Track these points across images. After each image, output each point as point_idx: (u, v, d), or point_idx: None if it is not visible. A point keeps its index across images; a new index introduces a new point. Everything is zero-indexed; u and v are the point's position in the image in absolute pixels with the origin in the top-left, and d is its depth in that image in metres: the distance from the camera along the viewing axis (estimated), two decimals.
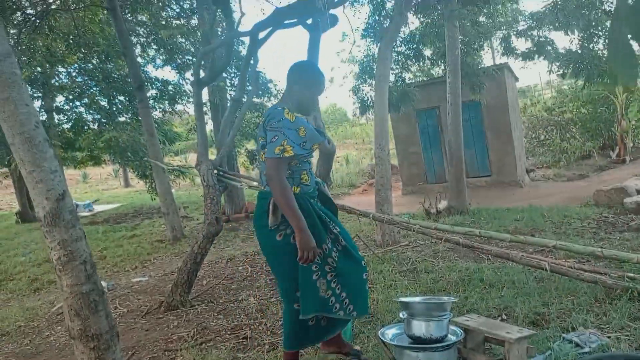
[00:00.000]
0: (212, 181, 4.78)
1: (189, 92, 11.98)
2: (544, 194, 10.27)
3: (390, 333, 2.76)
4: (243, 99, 5.38)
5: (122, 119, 12.50)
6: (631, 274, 3.56)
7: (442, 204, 8.27)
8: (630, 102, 12.49)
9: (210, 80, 5.52)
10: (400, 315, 2.75)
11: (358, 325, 3.45)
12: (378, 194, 6.25)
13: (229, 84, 10.80)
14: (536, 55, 10.47)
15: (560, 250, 4.05)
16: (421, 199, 8.76)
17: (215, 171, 4.85)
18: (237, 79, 9.57)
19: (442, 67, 10.30)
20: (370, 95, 9.50)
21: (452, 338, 2.57)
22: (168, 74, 30.96)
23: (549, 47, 10.58)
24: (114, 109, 12.29)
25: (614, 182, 9.44)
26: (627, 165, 12.11)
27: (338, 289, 2.55)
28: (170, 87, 12.27)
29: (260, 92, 10.57)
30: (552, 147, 13.68)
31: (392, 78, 9.19)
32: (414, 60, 9.56)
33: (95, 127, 12.83)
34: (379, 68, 6.24)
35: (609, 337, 2.83)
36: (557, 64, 9.28)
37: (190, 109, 12.94)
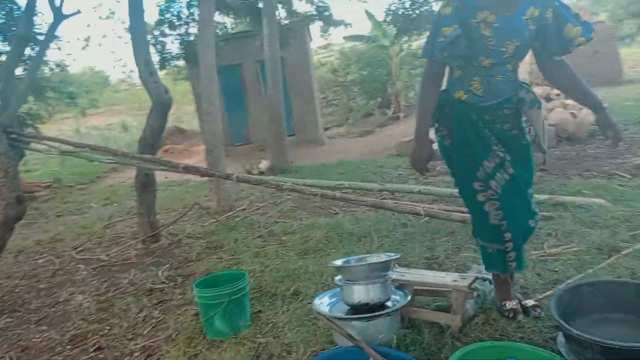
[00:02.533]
0: (3, 147, 3.44)
1: None
2: (344, 149, 10.90)
3: (324, 304, 2.33)
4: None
5: None
6: None
7: (264, 164, 7.97)
8: (402, 65, 14.16)
9: None
10: (336, 281, 2.35)
11: (255, 303, 2.91)
12: (210, 155, 5.56)
13: None
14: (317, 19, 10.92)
15: (424, 194, 4.17)
16: (231, 163, 8.29)
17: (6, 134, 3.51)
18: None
19: (248, 19, 9.79)
20: (169, 48, 8.43)
21: (396, 298, 2.29)
22: None
23: (327, 13, 11.12)
24: None
25: (397, 136, 10.61)
26: (401, 120, 13.76)
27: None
28: None
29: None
30: (340, 107, 14.64)
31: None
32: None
33: None
34: (202, 10, 5.42)
35: None
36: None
37: None
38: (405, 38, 13.23)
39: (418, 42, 13.03)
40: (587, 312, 1.88)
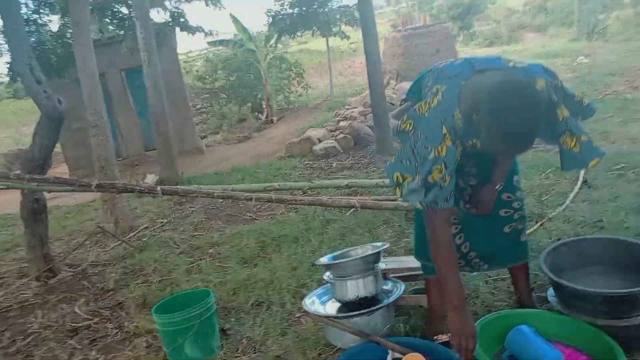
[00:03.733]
0: None
1: None
2: (227, 156, 10.58)
3: (316, 304, 2.23)
4: None
5: None
6: None
7: (150, 178, 7.38)
8: (270, 69, 14.21)
9: None
10: (326, 278, 2.26)
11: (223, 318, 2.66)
12: (102, 173, 4.96)
13: None
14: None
15: (351, 187, 4.23)
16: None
17: None
18: None
19: (114, 25, 8.96)
20: None
21: (386, 287, 2.28)
22: None
23: (182, 19, 10.77)
24: None
25: (279, 138, 10.66)
26: (276, 124, 13.82)
27: None
28: None
29: None
30: (212, 114, 14.17)
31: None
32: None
33: None
34: (74, 9, 4.82)
35: None
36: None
37: None
38: (272, 41, 13.35)
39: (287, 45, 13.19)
40: (567, 269, 2.08)
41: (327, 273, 2.31)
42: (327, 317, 2.10)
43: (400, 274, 2.43)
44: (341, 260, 2.19)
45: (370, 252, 2.16)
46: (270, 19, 11.34)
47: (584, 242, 2.12)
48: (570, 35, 19.73)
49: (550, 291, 2.11)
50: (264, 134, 13.14)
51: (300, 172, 6.80)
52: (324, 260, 2.34)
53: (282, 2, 11.71)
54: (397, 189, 1.73)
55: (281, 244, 3.77)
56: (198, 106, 15.07)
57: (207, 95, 14.90)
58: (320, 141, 8.12)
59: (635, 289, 1.73)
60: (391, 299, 2.13)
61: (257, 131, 13.59)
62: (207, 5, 11.09)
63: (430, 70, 1.95)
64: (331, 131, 8.28)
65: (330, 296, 2.34)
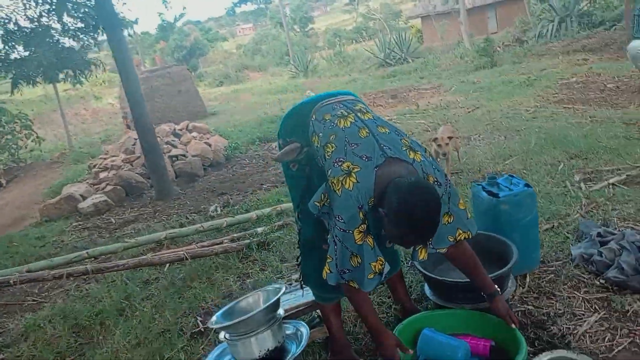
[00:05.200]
0: None
1: None
2: None
3: None
4: None
5: None
6: (237, 234, 3.95)
7: None
8: None
9: None
10: (224, 340, 2.00)
11: None
12: None
13: None
14: None
15: (171, 238, 3.80)
16: None
17: None
18: None
19: None
20: None
21: (288, 330, 2.16)
22: None
23: None
24: None
25: (16, 202, 8.89)
26: (6, 187, 11.42)
27: None
28: None
29: None
30: None
31: None
32: None
33: None
34: None
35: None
36: None
37: None
38: None
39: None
40: (438, 264, 2.38)
41: (223, 334, 2.05)
42: None
43: (295, 310, 2.34)
44: (246, 316, 1.97)
45: (272, 299, 2.01)
46: None
47: None
48: (289, 73, 22.37)
49: (426, 287, 2.38)
50: None
51: (76, 236, 5.76)
52: (217, 320, 2.07)
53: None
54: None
55: (105, 322, 3.14)
56: None
57: None
58: (84, 198, 7.08)
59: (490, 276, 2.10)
60: (304, 343, 2.03)
61: None
62: None
63: (301, 106, 2.04)
64: (94, 185, 7.32)
65: (230, 358, 2.08)
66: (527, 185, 2.57)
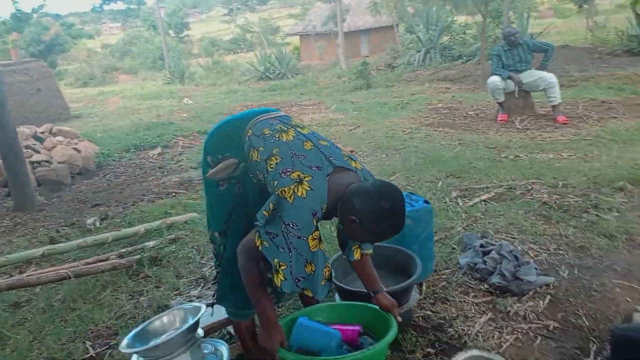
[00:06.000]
0: None
1: None
2: None
3: None
4: None
5: None
6: (123, 250, 3.66)
7: None
8: None
9: None
10: None
11: None
12: None
13: None
14: None
15: (50, 255, 3.35)
16: None
17: None
18: None
19: None
20: None
21: (210, 349, 2.06)
22: None
23: None
24: None
25: None
26: None
27: None
28: None
29: None
30: None
31: None
32: None
33: None
34: None
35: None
36: None
37: None
38: None
39: None
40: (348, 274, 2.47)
41: (135, 358, 1.89)
42: None
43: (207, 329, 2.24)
44: (165, 339, 1.83)
45: (193, 320, 1.89)
46: None
47: None
48: (163, 79, 21.34)
49: (337, 296, 2.46)
50: None
51: None
52: (129, 343, 1.89)
53: None
54: (276, 276, 1.72)
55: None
56: None
57: None
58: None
59: (396, 287, 2.27)
60: None
61: None
62: None
63: (231, 122, 2.03)
64: None
65: None
66: (425, 201, 2.80)
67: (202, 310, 1.98)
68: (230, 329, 2.48)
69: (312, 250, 1.70)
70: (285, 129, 1.90)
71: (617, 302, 2.51)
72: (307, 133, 1.93)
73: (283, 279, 1.71)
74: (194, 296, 3.07)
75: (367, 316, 2.12)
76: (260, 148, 1.85)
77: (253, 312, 2.13)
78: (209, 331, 2.35)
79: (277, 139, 1.85)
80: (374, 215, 1.70)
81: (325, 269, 1.77)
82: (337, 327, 2.04)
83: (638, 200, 3.69)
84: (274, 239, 1.69)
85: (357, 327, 2.04)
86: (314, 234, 1.70)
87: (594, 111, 7.01)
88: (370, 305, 2.10)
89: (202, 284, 3.24)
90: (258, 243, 1.71)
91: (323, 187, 1.72)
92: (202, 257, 3.61)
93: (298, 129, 1.93)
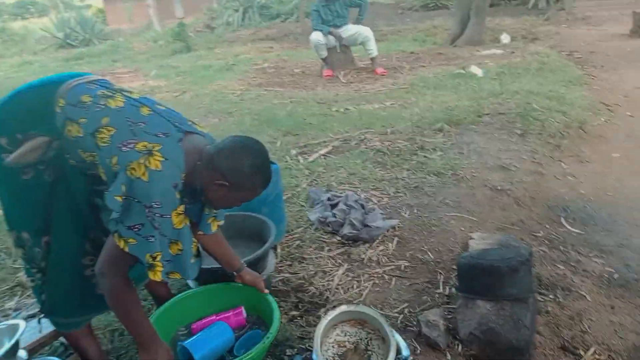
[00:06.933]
0: None
1: None
2: None
3: None
4: None
5: None
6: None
7: None
8: None
9: None
10: None
11: None
12: None
13: None
14: None
15: None
16: None
17: None
18: None
19: None
20: None
21: None
22: None
23: None
24: None
25: None
26: None
27: None
28: None
29: None
30: None
31: None
32: None
33: None
34: None
35: None
36: None
37: None
38: None
39: None
40: None
41: None
42: None
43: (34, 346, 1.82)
44: None
45: (8, 343, 1.48)
46: None
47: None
48: None
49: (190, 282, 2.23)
50: None
51: None
52: None
53: None
54: (154, 270, 1.46)
55: None
56: None
57: None
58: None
59: (252, 256, 2.14)
60: None
61: None
62: None
63: (29, 91, 1.59)
64: None
65: None
66: (272, 162, 2.67)
67: (21, 328, 1.59)
68: (64, 339, 2.09)
69: (177, 227, 1.48)
70: (110, 94, 1.56)
71: (454, 233, 2.75)
72: (139, 97, 1.61)
73: (162, 269, 1.47)
74: (11, 309, 2.54)
75: (237, 295, 2.03)
76: (82, 120, 1.49)
77: (88, 318, 1.82)
78: (36, 349, 1.93)
79: (105, 107, 1.50)
80: (243, 173, 1.52)
81: (192, 245, 1.58)
82: (220, 317, 1.96)
83: (455, 139, 4.10)
84: (139, 231, 1.40)
85: (238, 310, 2.00)
86: (178, 209, 1.47)
87: (405, 62, 7.63)
88: (235, 283, 2.00)
89: (19, 293, 2.70)
90: (122, 245, 1.41)
91: (178, 154, 1.47)
92: (14, 261, 3.00)
93: (125, 93, 1.60)
